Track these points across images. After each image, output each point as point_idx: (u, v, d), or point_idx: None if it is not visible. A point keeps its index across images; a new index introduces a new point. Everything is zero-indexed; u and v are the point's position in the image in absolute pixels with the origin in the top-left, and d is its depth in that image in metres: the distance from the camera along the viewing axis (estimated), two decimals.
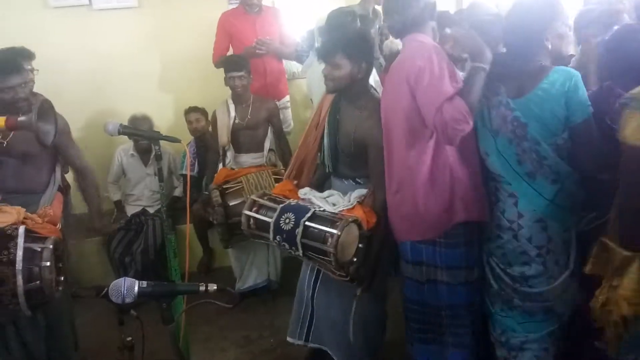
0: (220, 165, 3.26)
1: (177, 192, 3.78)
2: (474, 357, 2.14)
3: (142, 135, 2.33)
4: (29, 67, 3.00)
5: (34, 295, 1.92)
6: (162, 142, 2.15)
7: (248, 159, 3.26)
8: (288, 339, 2.47)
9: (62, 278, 2.04)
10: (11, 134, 2.22)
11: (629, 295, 1.40)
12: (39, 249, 1.94)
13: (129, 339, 2.44)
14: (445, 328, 2.10)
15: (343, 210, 2.11)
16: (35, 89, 3.08)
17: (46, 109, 2.14)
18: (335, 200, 2.19)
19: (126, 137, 3.52)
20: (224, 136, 3.19)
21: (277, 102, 3.59)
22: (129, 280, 1.28)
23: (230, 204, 2.92)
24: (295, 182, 2.41)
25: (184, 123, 3.81)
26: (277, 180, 2.89)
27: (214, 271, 3.79)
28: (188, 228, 2.27)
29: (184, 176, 3.73)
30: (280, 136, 3.35)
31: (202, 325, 3.05)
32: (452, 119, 1.70)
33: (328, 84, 2.17)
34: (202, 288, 1.34)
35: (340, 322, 2.30)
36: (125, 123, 3.46)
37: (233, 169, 3.19)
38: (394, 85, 2.00)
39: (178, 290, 1.34)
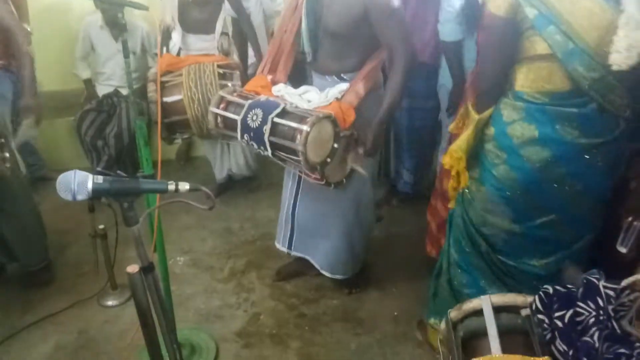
0: (165, 50, 2.83)
1: (151, 73, 3.45)
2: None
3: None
4: None
5: None
6: (134, 14, 1.83)
7: (197, 41, 2.84)
8: (276, 243, 2.40)
9: (7, 155, 1.93)
10: None
11: (454, 149, 1.64)
12: None
13: (101, 226, 2.37)
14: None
15: (318, 107, 1.91)
16: None
17: None
18: (310, 97, 1.98)
19: (95, 8, 3.20)
20: (167, 13, 2.75)
21: None
22: (80, 173, 1.08)
23: (166, 100, 2.55)
24: (269, 77, 2.14)
25: None
26: (221, 76, 2.53)
27: (193, 159, 3.64)
28: (159, 113, 2.02)
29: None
30: (239, 12, 2.88)
31: (180, 214, 2.96)
32: None
33: None
34: (172, 187, 1.16)
35: (323, 230, 2.21)
36: None
37: (183, 52, 2.82)
38: None
39: (142, 189, 1.15)
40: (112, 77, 3.34)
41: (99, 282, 2.38)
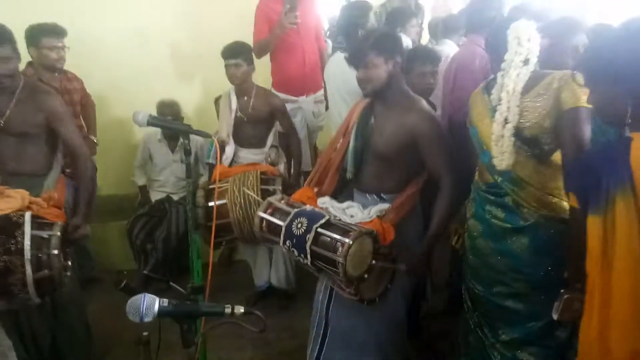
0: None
1: (202, 180, 3.68)
2: None
3: (172, 128, 2.21)
4: (60, 44, 2.95)
5: (43, 284, 1.88)
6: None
7: (248, 154, 3.08)
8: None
9: (70, 263, 1.99)
10: (8, 113, 2.15)
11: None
12: (47, 236, 1.89)
13: (145, 333, 2.41)
14: None
15: (360, 222, 1.99)
16: (66, 67, 3.06)
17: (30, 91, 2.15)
18: (353, 212, 2.06)
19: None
20: (223, 130, 3.03)
21: (313, 95, 3.47)
22: (149, 297, 1.17)
23: (212, 204, 2.68)
24: (316, 189, 2.28)
25: (212, 108, 3.71)
26: (264, 181, 2.72)
27: (235, 264, 3.72)
28: (214, 224, 2.15)
29: (210, 165, 3.63)
30: (290, 134, 3.14)
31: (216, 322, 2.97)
32: None
33: (366, 87, 2.07)
34: (228, 310, 1.23)
35: (355, 346, 2.18)
36: (155, 103, 3.43)
37: (234, 164, 3.05)
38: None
39: (201, 312, 1.23)
40: (165, 184, 3.58)
41: None
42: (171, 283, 1.92)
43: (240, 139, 3.07)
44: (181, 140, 3.15)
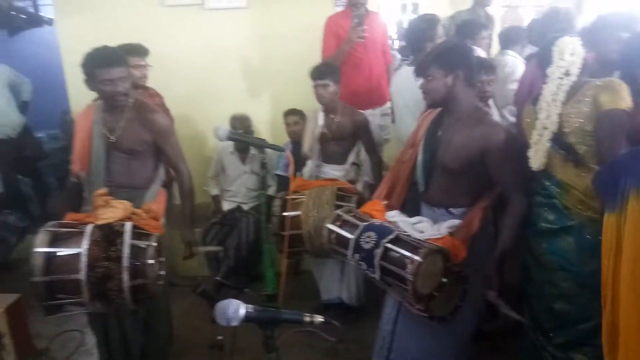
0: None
1: (271, 191, 3.79)
2: None
3: (249, 143, 2.33)
4: (143, 62, 3.17)
5: (138, 291, 1.98)
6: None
7: (329, 169, 3.15)
8: None
9: (163, 272, 2.08)
10: (119, 131, 2.32)
11: None
12: (144, 246, 1.98)
13: (219, 337, 2.51)
14: None
15: (430, 238, 1.96)
16: (147, 83, 3.27)
17: (139, 110, 2.26)
18: (423, 228, 2.04)
19: None
20: (307, 145, 3.13)
21: (380, 108, 3.51)
22: (235, 302, 1.24)
23: (288, 215, 2.74)
24: (385, 202, 2.29)
25: (281, 123, 3.83)
26: (340, 197, 2.74)
27: (301, 274, 3.78)
28: (288, 234, 2.21)
29: (279, 176, 3.74)
30: (371, 152, 3.18)
31: (288, 330, 3.02)
32: None
33: (426, 97, 2.11)
34: (307, 319, 1.28)
35: None
36: (227, 118, 3.60)
37: (317, 178, 3.11)
38: None
39: (283, 319, 1.29)
40: (236, 195, 3.72)
41: None
42: (246, 290, 2.01)
43: (324, 155, 3.17)
44: (252, 152, 3.36)
